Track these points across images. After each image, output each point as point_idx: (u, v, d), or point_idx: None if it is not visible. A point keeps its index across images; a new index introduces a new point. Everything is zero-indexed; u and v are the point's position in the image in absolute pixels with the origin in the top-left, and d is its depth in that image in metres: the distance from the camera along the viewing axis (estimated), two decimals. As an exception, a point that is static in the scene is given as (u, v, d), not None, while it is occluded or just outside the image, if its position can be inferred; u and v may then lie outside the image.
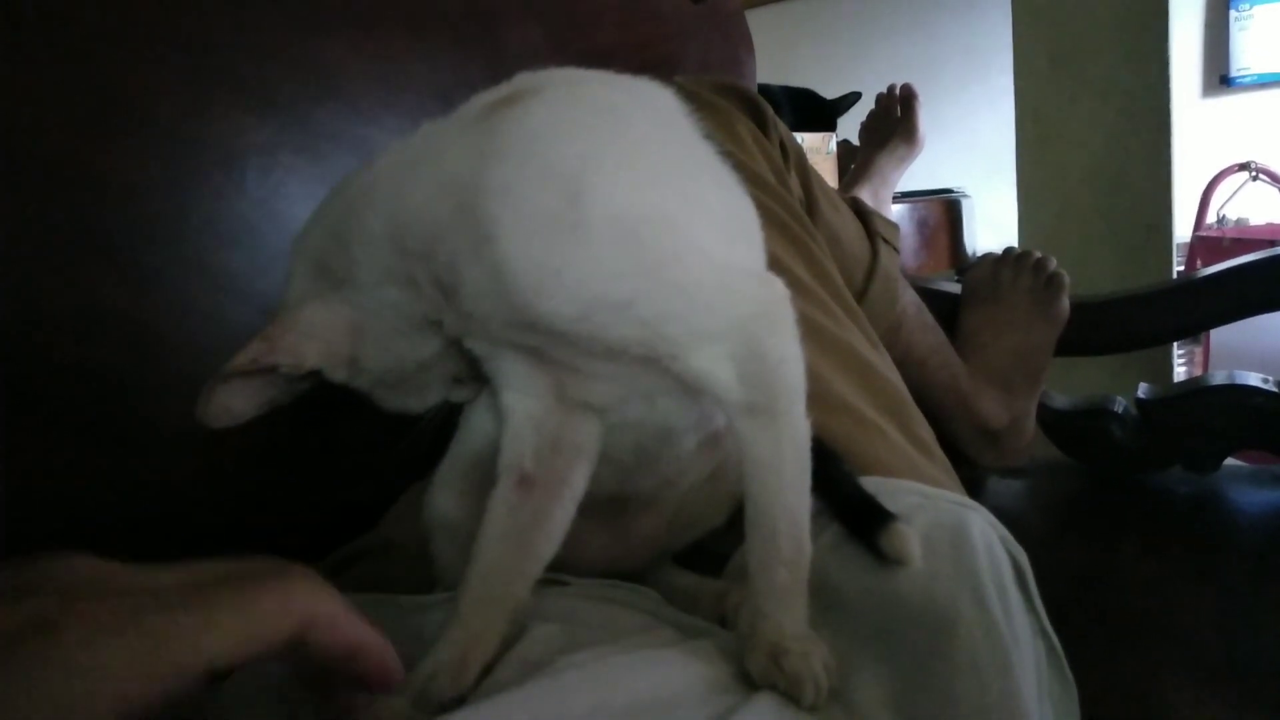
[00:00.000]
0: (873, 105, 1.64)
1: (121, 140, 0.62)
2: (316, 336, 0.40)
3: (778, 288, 0.41)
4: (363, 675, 0.27)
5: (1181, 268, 2.10)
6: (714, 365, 0.39)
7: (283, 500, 0.67)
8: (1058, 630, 0.45)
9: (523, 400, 0.43)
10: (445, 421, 0.49)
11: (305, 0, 0.73)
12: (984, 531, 0.45)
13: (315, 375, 0.42)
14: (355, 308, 0.41)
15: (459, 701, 0.34)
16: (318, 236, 0.43)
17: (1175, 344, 1.59)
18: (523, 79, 0.44)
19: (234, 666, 0.23)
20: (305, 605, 0.25)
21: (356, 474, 0.68)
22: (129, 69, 0.62)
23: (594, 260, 0.37)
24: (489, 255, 0.36)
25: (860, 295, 0.83)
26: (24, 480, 0.57)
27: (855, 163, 1.61)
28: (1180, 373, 1.72)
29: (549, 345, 0.40)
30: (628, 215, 0.38)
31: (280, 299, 0.43)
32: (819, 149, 1.48)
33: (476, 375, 0.45)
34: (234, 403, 0.41)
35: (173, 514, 0.62)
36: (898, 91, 1.59)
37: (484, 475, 0.45)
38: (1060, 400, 1.05)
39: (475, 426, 0.48)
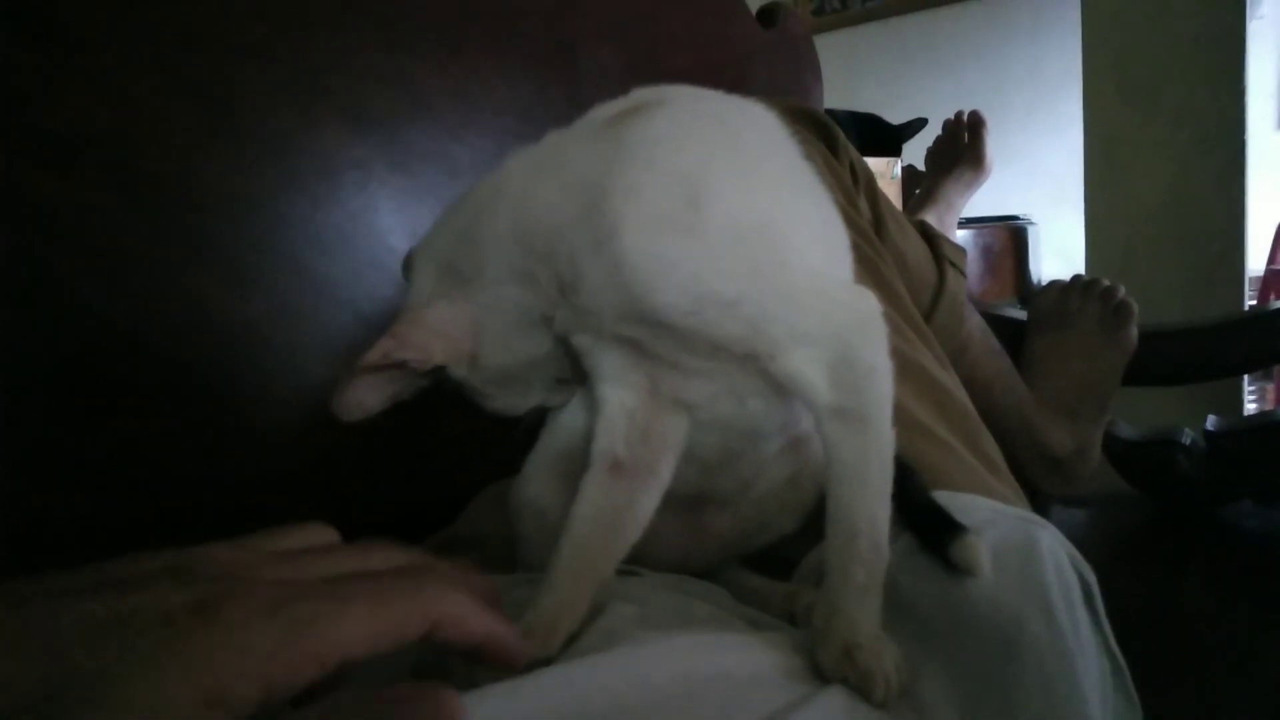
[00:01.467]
0: (938, 131, 1.64)
1: (230, 150, 0.66)
2: (442, 333, 0.43)
3: (872, 301, 0.43)
4: (489, 660, 0.29)
5: (1254, 301, 2.05)
6: (808, 368, 0.41)
7: (366, 494, 0.70)
8: (1120, 660, 0.46)
9: (618, 392, 0.45)
10: (536, 425, 0.51)
11: (398, 23, 0.77)
12: (1053, 548, 0.46)
13: (437, 371, 0.44)
14: (479, 306, 0.43)
15: (546, 664, 0.36)
16: (445, 239, 0.45)
17: (1246, 378, 1.56)
18: (641, 93, 0.46)
19: (367, 657, 0.25)
20: (435, 607, 0.27)
21: (436, 471, 0.71)
22: (239, 84, 0.66)
23: (708, 259, 0.39)
24: (610, 250, 0.39)
25: (927, 318, 0.84)
26: (123, 464, 0.61)
27: (921, 188, 1.61)
28: (1250, 408, 1.67)
29: (654, 339, 0.42)
30: (741, 220, 0.40)
31: (406, 299, 0.45)
32: (884, 174, 1.49)
33: (576, 377, 0.48)
34: (365, 397, 0.43)
35: (262, 504, 0.65)
36: (966, 118, 1.59)
37: (570, 467, 0.47)
38: (1127, 430, 1.04)
39: (564, 422, 0.51)
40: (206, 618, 0.23)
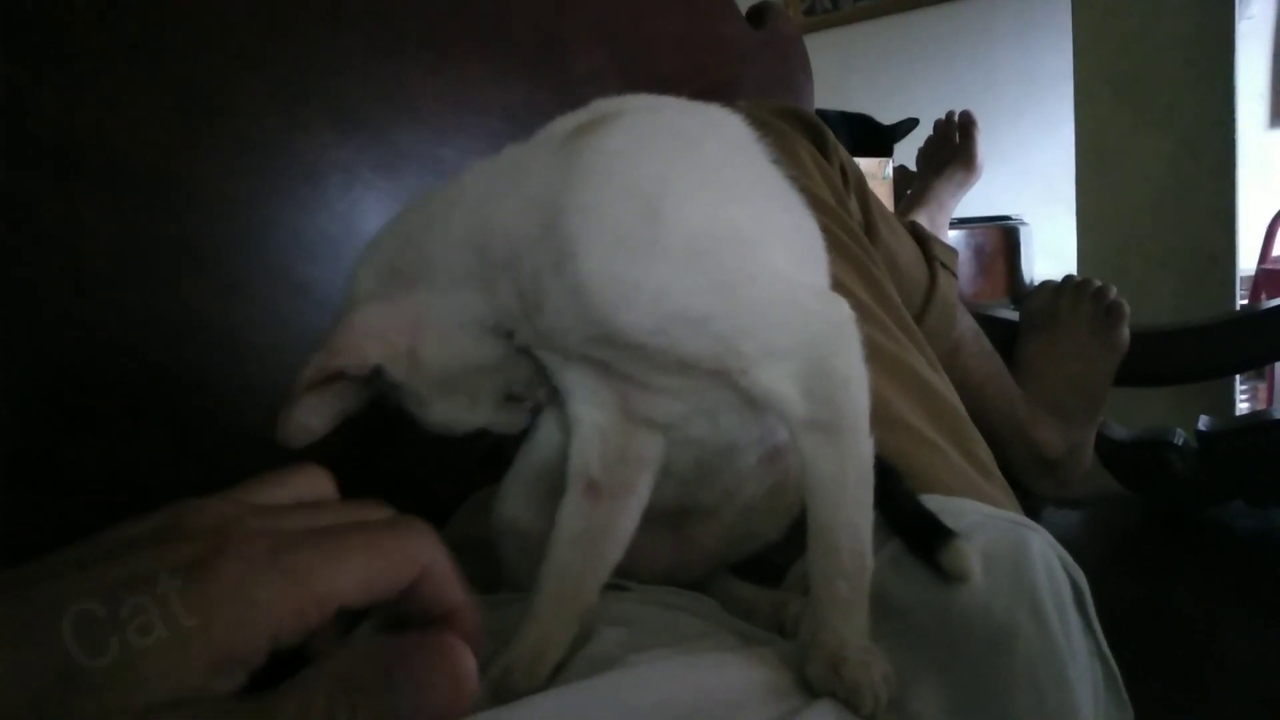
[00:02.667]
0: (930, 132, 1.64)
1: (214, 153, 0.65)
2: (375, 333, 0.41)
3: (844, 308, 0.42)
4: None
5: (1245, 301, 2.06)
6: (781, 382, 0.40)
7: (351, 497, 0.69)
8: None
9: (590, 411, 0.44)
10: (508, 440, 0.50)
11: (387, 25, 0.76)
12: (1043, 551, 0.46)
13: (378, 377, 0.42)
14: (421, 304, 0.41)
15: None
16: (388, 243, 0.44)
17: (1238, 378, 1.56)
18: (600, 104, 0.45)
19: (362, 605, 0.25)
20: (425, 555, 0.27)
21: (426, 476, 0.70)
22: (224, 86, 0.66)
23: (672, 276, 0.38)
24: (571, 272, 0.38)
25: (918, 319, 0.84)
26: (113, 467, 0.61)
27: (912, 188, 1.61)
28: (1243, 407, 1.67)
29: (622, 359, 0.41)
30: (704, 234, 0.39)
31: (342, 305, 0.43)
32: (875, 174, 1.49)
33: (530, 392, 0.46)
34: (310, 419, 0.42)
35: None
36: (957, 118, 1.59)
37: (551, 484, 0.46)
38: (1119, 431, 1.04)
39: (543, 437, 0.49)
40: (203, 578, 0.23)
